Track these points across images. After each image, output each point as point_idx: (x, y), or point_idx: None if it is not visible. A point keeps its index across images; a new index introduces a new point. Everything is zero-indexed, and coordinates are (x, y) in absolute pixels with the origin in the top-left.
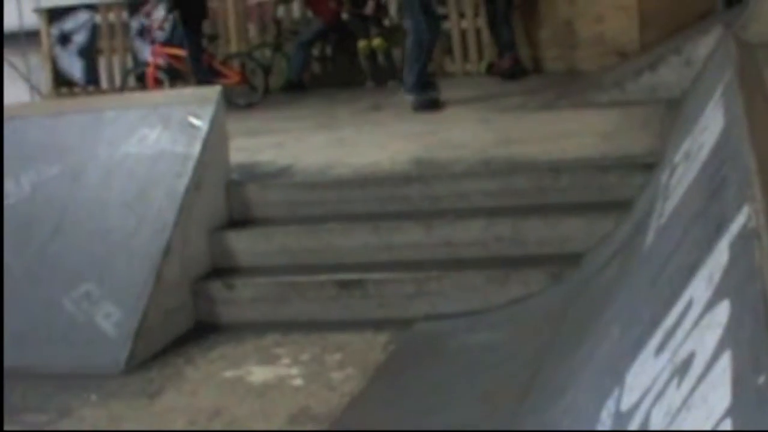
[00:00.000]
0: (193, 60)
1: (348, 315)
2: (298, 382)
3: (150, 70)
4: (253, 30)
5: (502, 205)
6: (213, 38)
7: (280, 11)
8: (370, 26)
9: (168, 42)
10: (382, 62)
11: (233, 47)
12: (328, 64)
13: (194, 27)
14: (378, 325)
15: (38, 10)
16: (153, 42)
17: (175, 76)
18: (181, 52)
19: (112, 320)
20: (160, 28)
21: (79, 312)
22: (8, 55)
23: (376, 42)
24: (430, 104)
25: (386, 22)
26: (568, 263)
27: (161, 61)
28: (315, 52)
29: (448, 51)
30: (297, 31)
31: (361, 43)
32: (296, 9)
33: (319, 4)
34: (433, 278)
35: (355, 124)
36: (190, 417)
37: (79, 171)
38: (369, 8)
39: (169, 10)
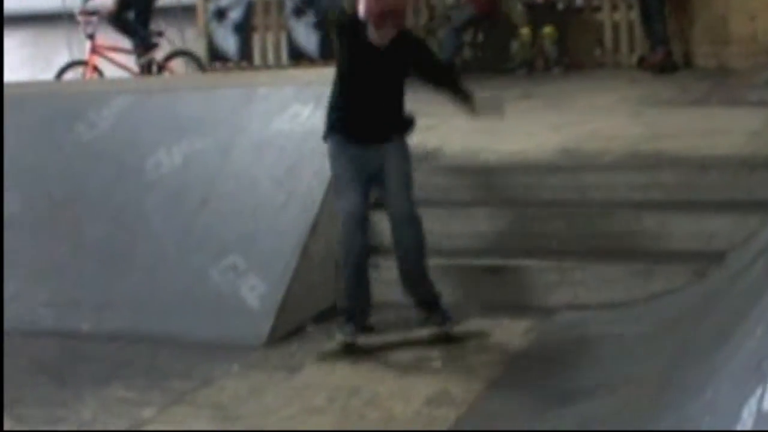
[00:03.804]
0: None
1: (489, 300)
2: (437, 364)
3: (88, 71)
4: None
5: (648, 198)
6: (160, 34)
7: None
8: (539, 14)
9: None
10: (549, 49)
11: None
12: (479, 50)
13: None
14: (519, 311)
15: None
16: (91, 37)
17: None
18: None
19: (256, 293)
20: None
21: (225, 283)
22: (165, 30)
23: (547, 30)
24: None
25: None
26: (712, 260)
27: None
28: (467, 37)
29: (599, 43)
30: (449, 15)
31: (524, 30)
32: None
33: None
34: (576, 268)
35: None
36: (329, 393)
37: (229, 145)
38: None
39: None
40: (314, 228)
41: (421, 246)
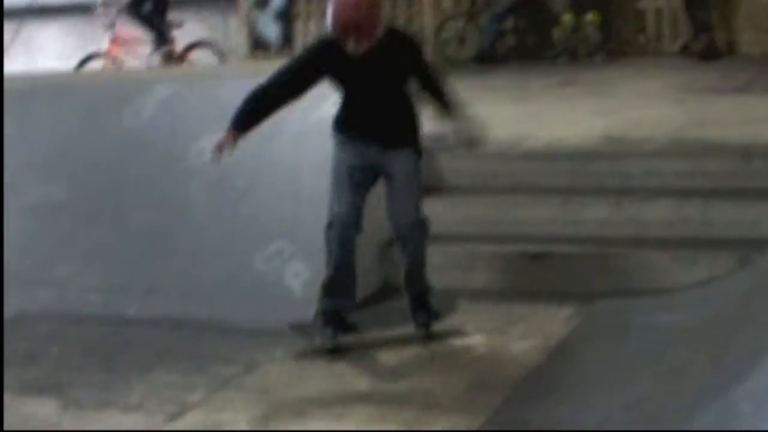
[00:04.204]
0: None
1: (533, 287)
2: (480, 350)
3: (108, 62)
4: (447, 0)
5: (692, 186)
6: (179, 25)
7: None
8: (581, 0)
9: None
10: (591, 36)
11: (427, 18)
12: (521, 36)
13: None
14: (562, 298)
15: None
16: (112, 26)
17: None
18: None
19: (300, 279)
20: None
21: (269, 270)
22: (209, 18)
23: (590, 16)
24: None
25: None
26: (756, 248)
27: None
28: (509, 24)
29: (642, 29)
30: (490, 2)
31: (567, 17)
32: None
33: None
34: (619, 255)
35: (548, 98)
36: (372, 378)
37: (272, 133)
38: None
39: None
40: None
41: (424, 246)
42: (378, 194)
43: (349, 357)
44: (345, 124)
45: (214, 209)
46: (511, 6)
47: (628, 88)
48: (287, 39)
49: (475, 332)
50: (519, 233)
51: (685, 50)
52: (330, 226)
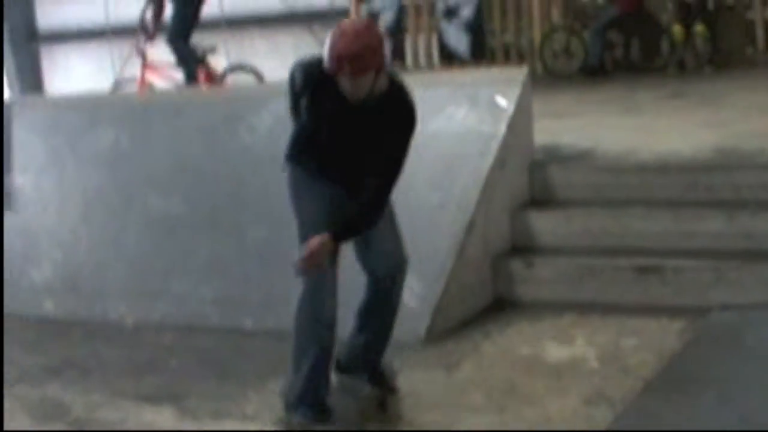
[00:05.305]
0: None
1: (645, 300)
2: (593, 363)
3: (139, 86)
4: (556, 14)
5: None
6: (212, 49)
7: None
8: (689, 11)
9: None
10: (700, 48)
11: (536, 30)
12: (627, 49)
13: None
14: (674, 312)
15: None
16: (141, 51)
17: None
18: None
19: (414, 292)
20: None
21: None
22: (319, 33)
23: (699, 28)
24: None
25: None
26: None
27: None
28: (614, 36)
29: (751, 41)
30: (592, 15)
31: (676, 28)
32: None
33: None
34: (732, 268)
35: (657, 110)
36: (486, 391)
37: None
38: None
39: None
40: (470, 228)
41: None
42: (488, 211)
43: (462, 370)
44: (310, 161)
45: None
46: (613, 18)
47: (738, 100)
48: (397, 53)
49: (587, 345)
50: (630, 246)
51: None
52: (314, 286)
